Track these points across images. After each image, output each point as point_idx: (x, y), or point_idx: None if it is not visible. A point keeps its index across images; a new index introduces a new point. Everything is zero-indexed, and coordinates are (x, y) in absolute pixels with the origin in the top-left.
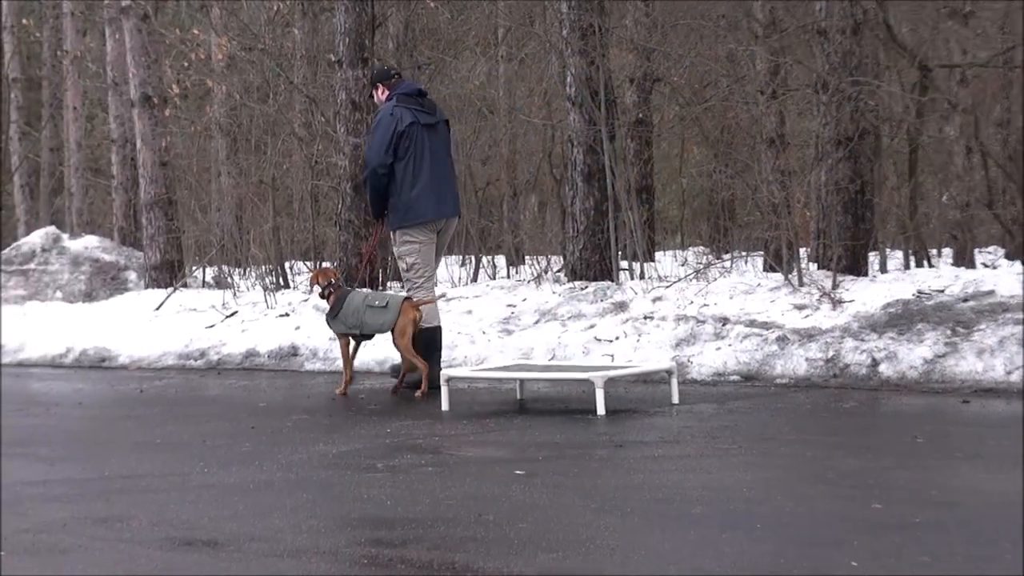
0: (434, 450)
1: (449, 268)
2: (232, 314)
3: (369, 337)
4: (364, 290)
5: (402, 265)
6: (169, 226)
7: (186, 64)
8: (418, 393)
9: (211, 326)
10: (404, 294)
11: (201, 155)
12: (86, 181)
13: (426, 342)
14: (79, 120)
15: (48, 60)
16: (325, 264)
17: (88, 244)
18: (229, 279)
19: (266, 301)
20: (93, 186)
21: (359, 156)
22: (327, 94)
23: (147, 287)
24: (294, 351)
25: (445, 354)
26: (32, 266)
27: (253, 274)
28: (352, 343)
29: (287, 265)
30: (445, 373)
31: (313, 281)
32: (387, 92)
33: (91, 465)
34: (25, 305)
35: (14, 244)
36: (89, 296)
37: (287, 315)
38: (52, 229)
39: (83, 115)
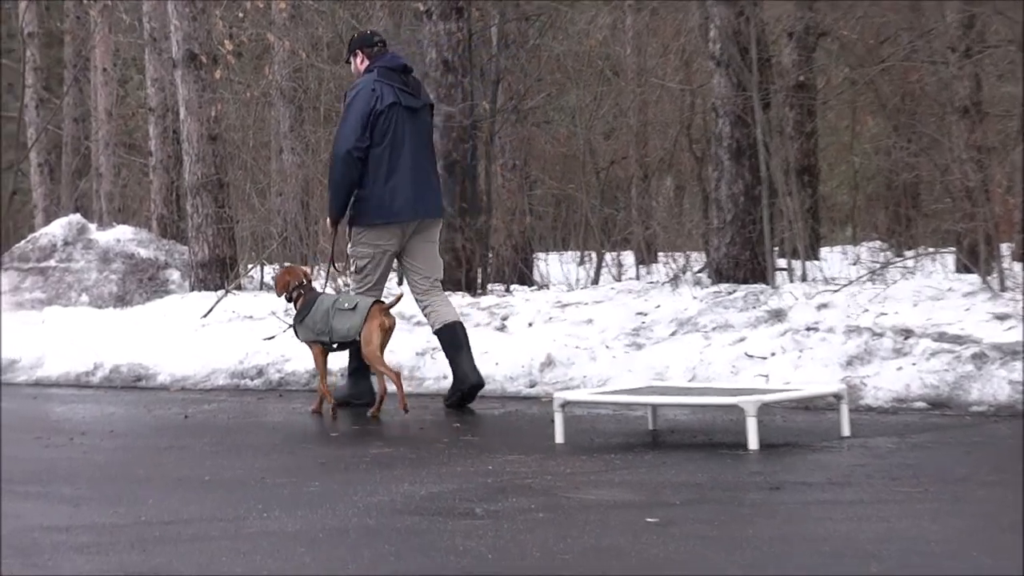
0: (546, 491)
1: (565, 268)
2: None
3: (345, 346)
4: (335, 293)
5: (351, 266)
6: (219, 214)
7: (240, 15)
8: (371, 412)
9: (271, 337)
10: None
11: (259, 127)
12: (118, 159)
13: (448, 343)
14: (109, 84)
15: (72, 11)
16: (288, 264)
17: (120, 236)
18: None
19: None
20: (126, 165)
21: (452, 128)
22: (413, 51)
23: (192, 289)
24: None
25: (559, 372)
26: (52, 263)
27: (322, 273)
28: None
29: None
30: (560, 396)
31: (280, 283)
32: (366, 63)
33: (124, 508)
34: (44, 311)
35: (31, 236)
36: (122, 300)
37: None
38: (77, 218)
39: (114, 78)
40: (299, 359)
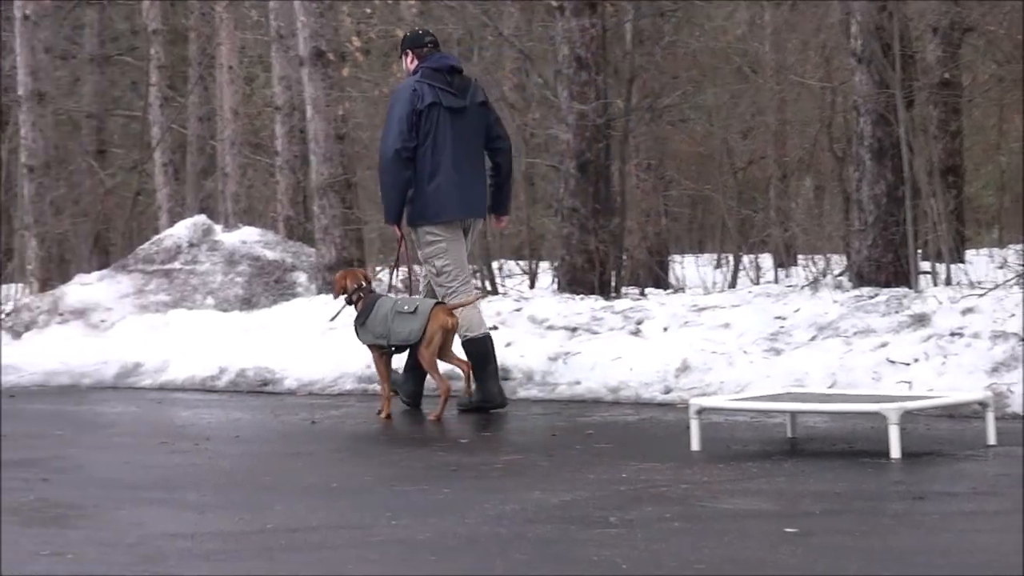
0: (682, 500)
1: (701, 270)
2: None
3: (401, 349)
4: (395, 295)
5: (430, 270)
6: (347, 215)
7: (368, 11)
8: (432, 415)
9: None
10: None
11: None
12: (244, 158)
13: (475, 356)
14: (235, 82)
15: (197, 7)
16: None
17: (246, 237)
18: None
19: None
20: (252, 165)
21: (585, 127)
22: (545, 49)
23: (320, 292)
24: (504, 374)
25: (695, 378)
26: (177, 265)
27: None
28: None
29: (495, 265)
30: (696, 403)
31: (338, 285)
32: (415, 63)
33: (250, 515)
34: (169, 314)
35: (155, 238)
36: (248, 303)
37: (495, 328)
38: (202, 219)
39: (240, 76)
40: None
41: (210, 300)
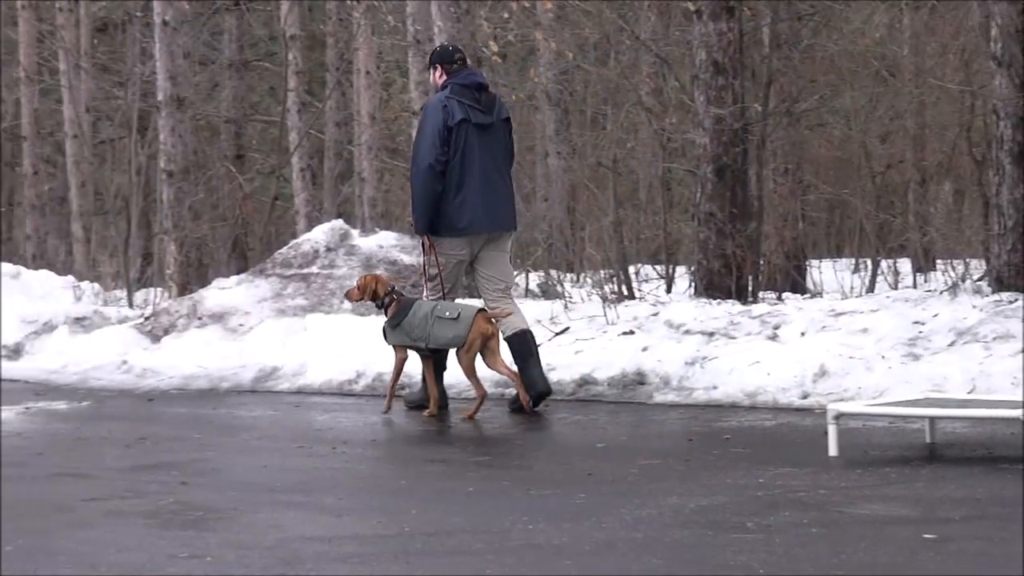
0: (819, 506)
1: (839, 275)
2: (563, 331)
3: (436, 352)
4: (431, 299)
5: (425, 273)
6: None
7: (505, 15)
8: (467, 415)
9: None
10: (479, 304)
11: (524, 130)
12: (381, 163)
13: (515, 351)
14: (373, 87)
15: (334, 13)
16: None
17: (383, 242)
18: (559, 287)
19: (605, 315)
20: (390, 170)
21: (723, 131)
22: (683, 53)
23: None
24: (640, 378)
25: (832, 383)
26: (315, 269)
27: (589, 280)
28: (427, 361)
29: (631, 269)
30: (834, 408)
31: (363, 288)
32: (444, 78)
33: (387, 518)
34: (306, 318)
35: (293, 242)
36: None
37: (631, 332)
38: (339, 223)
39: (378, 81)
40: (563, 368)
41: (347, 304)
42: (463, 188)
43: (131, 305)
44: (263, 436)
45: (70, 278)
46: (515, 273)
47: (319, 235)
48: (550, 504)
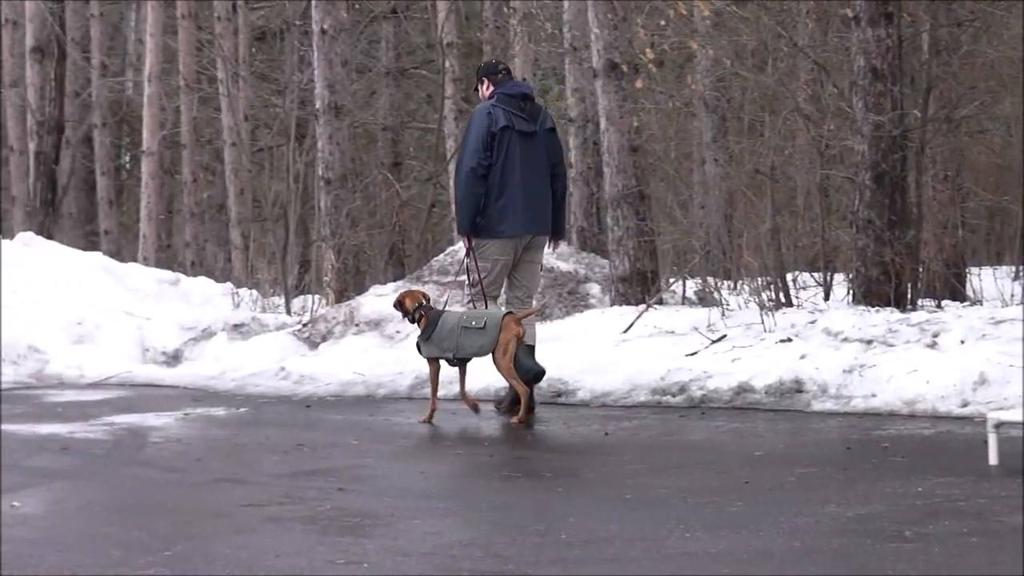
0: (979, 515)
1: (999, 283)
2: (720, 338)
3: (466, 361)
4: (459, 309)
5: (466, 275)
6: (640, 227)
7: (662, 22)
8: (514, 420)
9: (693, 353)
10: (504, 309)
11: (681, 137)
12: None
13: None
14: None
15: (491, 20)
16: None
17: None
18: (716, 294)
19: (763, 322)
20: None
21: (881, 138)
22: (841, 59)
23: (613, 303)
24: (798, 386)
25: (993, 391)
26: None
27: (746, 288)
28: (457, 368)
29: (789, 276)
30: (994, 416)
31: (398, 304)
32: (491, 89)
33: (544, 525)
34: None
35: (449, 249)
36: (542, 314)
37: (789, 340)
38: None
39: (534, 88)
40: (720, 376)
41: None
42: (504, 192)
43: (289, 312)
44: (420, 442)
45: (228, 285)
46: (673, 281)
47: None
48: (707, 512)
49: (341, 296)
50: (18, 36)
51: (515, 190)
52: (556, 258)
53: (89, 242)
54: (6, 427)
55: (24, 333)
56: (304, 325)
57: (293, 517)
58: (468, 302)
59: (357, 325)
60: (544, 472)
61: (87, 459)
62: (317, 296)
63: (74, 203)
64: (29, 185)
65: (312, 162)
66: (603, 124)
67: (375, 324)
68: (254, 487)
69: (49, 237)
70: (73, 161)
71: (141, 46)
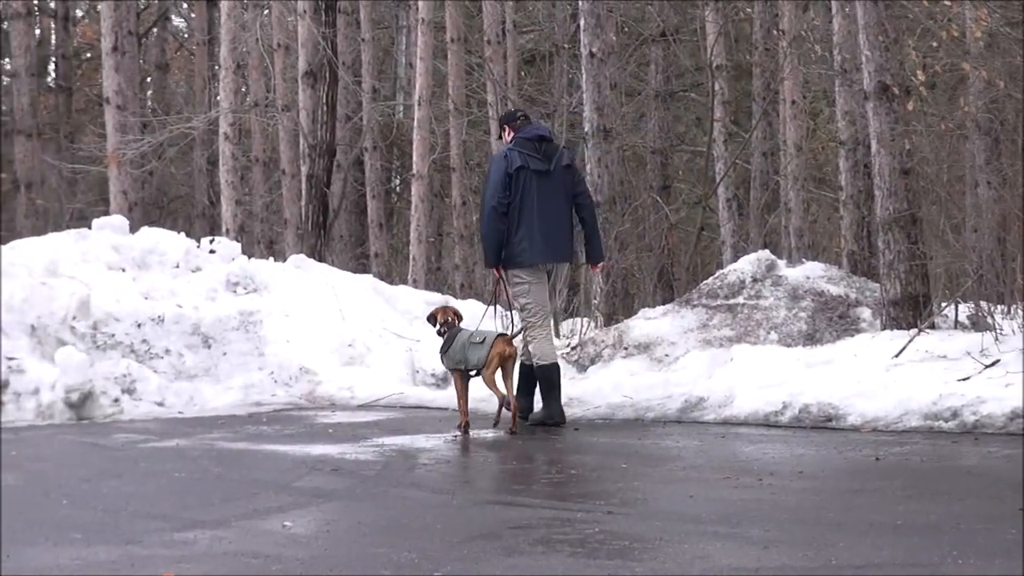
0: None
1: None
2: (993, 363)
3: (476, 373)
4: (486, 328)
5: (516, 305)
6: (912, 250)
7: (934, 44)
8: (503, 429)
9: (966, 378)
10: (501, 330)
11: (953, 160)
12: (807, 194)
13: (543, 380)
14: (799, 117)
15: (760, 42)
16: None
17: (810, 273)
18: (989, 319)
19: None
20: (816, 200)
21: None
22: None
23: (883, 327)
24: None
25: None
26: (741, 300)
27: (1021, 312)
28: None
29: None
30: None
31: (431, 318)
32: (512, 134)
33: (814, 551)
34: (732, 349)
35: (719, 272)
36: (811, 338)
37: None
38: (765, 254)
39: (804, 110)
40: (995, 401)
41: (773, 335)
42: (521, 226)
43: (558, 335)
44: (689, 466)
45: (497, 307)
46: (945, 305)
47: (745, 265)
48: (980, 539)
49: (610, 319)
50: (290, 61)
51: (530, 223)
52: (827, 282)
53: (359, 264)
54: (279, 448)
55: (296, 354)
56: (573, 348)
57: (562, 540)
58: (522, 328)
59: (626, 348)
60: (815, 497)
61: (357, 480)
62: (586, 319)
63: (345, 226)
64: (301, 208)
65: None
66: (874, 147)
67: (644, 347)
68: (523, 510)
69: (320, 259)
70: (344, 184)
71: (411, 70)
